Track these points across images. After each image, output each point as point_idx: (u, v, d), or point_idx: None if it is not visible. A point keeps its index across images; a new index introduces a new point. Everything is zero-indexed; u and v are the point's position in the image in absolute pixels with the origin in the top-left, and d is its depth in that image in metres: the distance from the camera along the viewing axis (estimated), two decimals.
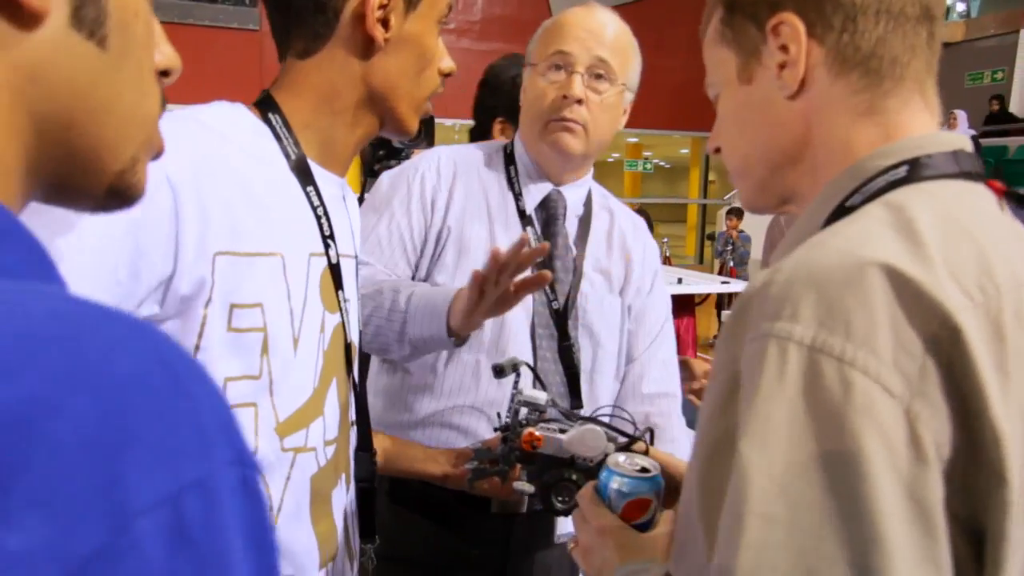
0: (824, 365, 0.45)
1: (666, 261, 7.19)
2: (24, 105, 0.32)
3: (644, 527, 0.74)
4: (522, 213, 1.17)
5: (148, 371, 0.24)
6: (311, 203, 0.76)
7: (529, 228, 1.16)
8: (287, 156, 0.73)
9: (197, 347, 0.65)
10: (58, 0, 0.32)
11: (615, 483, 0.74)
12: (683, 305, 4.27)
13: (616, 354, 1.21)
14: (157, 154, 0.40)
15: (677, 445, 1.21)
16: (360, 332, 0.88)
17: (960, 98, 8.61)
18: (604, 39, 1.12)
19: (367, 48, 0.74)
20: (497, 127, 1.68)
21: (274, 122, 0.74)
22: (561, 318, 1.15)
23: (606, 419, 0.95)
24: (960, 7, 11.67)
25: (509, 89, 1.63)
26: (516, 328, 1.13)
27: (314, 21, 0.73)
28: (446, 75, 0.82)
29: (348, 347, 0.81)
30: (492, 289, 0.95)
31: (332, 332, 0.77)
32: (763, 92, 0.61)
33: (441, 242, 1.15)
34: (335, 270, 0.78)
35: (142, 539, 0.22)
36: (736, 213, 7.75)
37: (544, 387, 0.98)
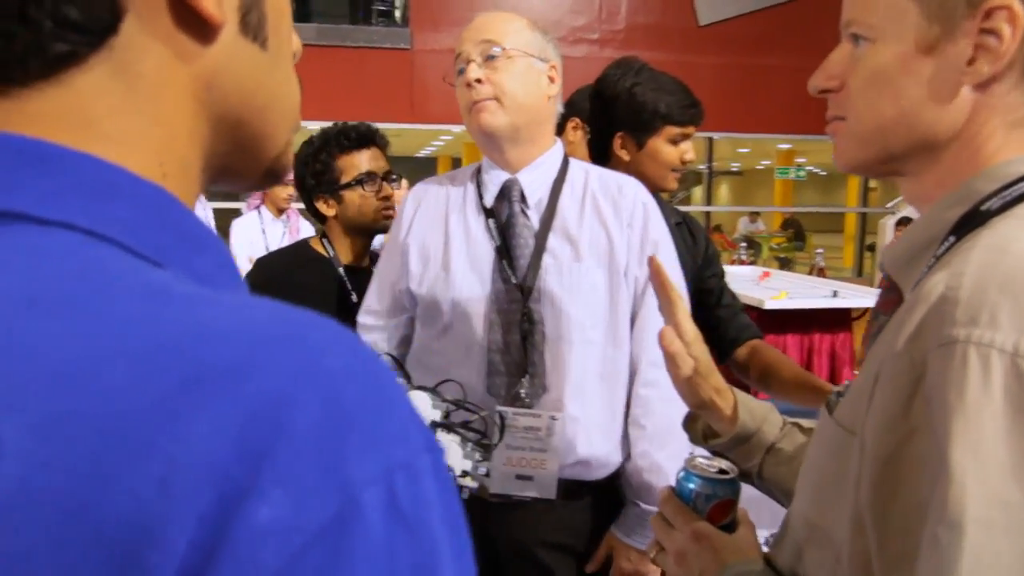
0: None
1: (820, 273, 6.79)
2: (204, 111, 0.36)
3: (728, 528, 0.74)
4: (484, 207, 1.28)
5: (355, 367, 0.28)
6: None
7: (491, 220, 1.27)
8: None
9: None
10: (230, 10, 0.35)
11: (699, 487, 0.74)
12: (838, 320, 4.01)
13: (591, 319, 1.23)
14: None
15: (656, 419, 1.23)
16: None
17: None
18: (485, 27, 1.24)
19: None
20: (617, 142, 1.57)
21: None
22: (523, 292, 1.23)
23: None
24: None
25: (626, 100, 1.53)
26: (469, 304, 1.25)
27: None
28: None
29: None
30: None
31: None
32: (942, 69, 0.55)
33: (404, 257, 1.33)
34: None
35: (365, 510, 0.25)
36: (907, 223, 7.19)
37: (407, 376, 1.12)
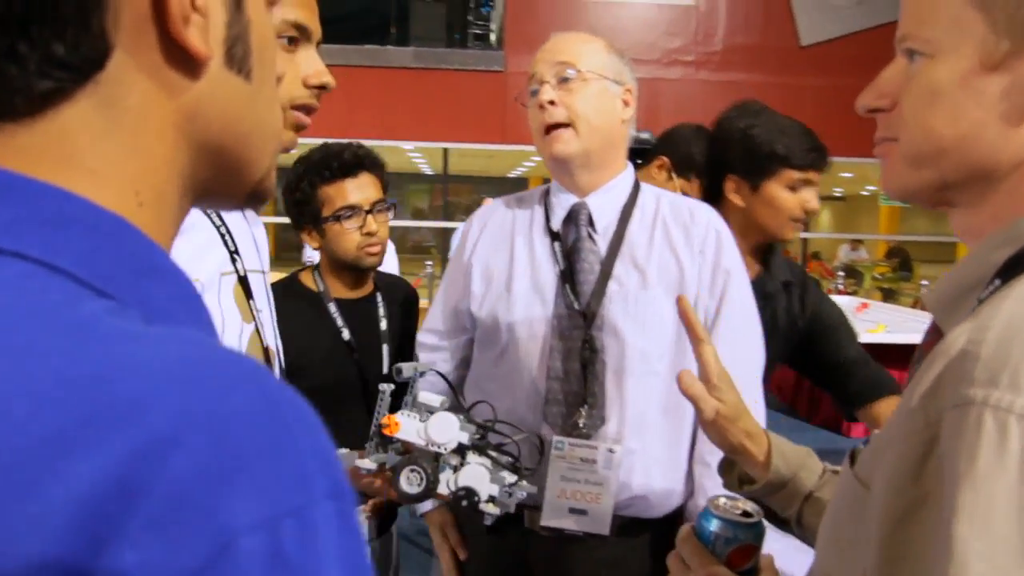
0: None
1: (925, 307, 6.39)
2: (184, 141, 0.37)
3: (749, 574, 0.71)
4: (551, 230, 1.26)
5: (255, 411, 0.28)
6: (213, 223, 0.83)
7: (556, 243, 1.24)
8: None
9: None
10: (216, 44, 0.36)
11: (719, 528, 0.71)
12: None
13: (656, 350, 1.18)
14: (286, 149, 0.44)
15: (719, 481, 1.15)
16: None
17: None
18: (560, 48, 1.21)
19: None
20: (730, 185, 1.48)
21: None
22: (585, 319, 1.18)
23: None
24: None
25: (740, 140, 1.45)
26: (529, 329, 1.22)
27: None
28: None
29: (266, 351, 0.90)
30: None
31: (248, 339, 0.85)
32: (1009, 88, 0.50)
33: (467, 278, 1.30)
34: (244, 283, 0.86)
35: (241, 558, 0.25)
36: None
37: (455, 392, 1.09)
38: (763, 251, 1.52)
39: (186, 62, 0.35)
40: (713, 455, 1.16)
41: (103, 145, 0.34)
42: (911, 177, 0.56)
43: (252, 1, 0.38)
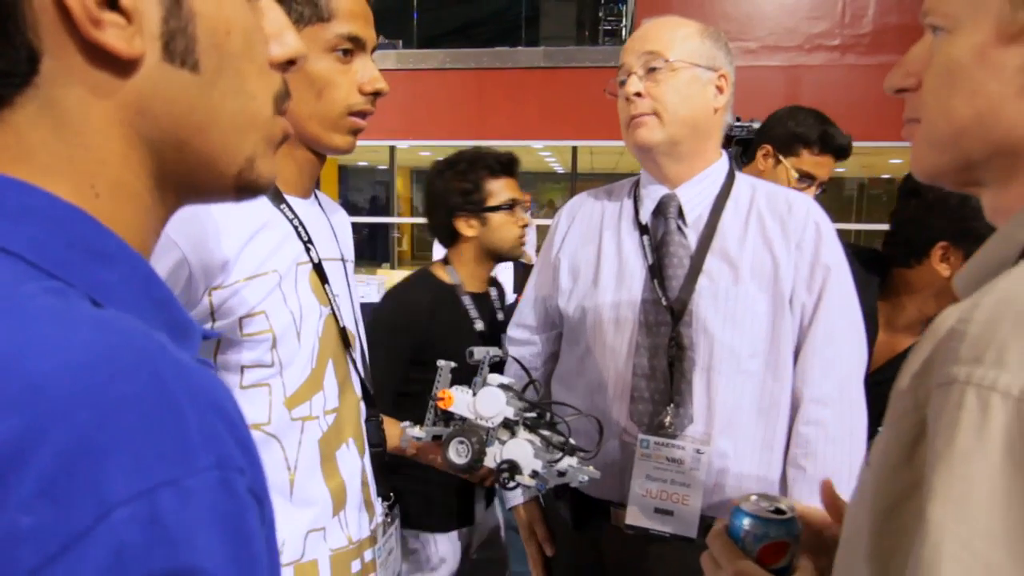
0: None
1: None
2: (138, 136, 0.38)
3: (783, 572, 0.70)
4: (640, 223, 1.21)
5: (143, 392, 0.30)
6: (286, 216, 0.89)
7: (645, 237, 1.18)
8: None
9: (216, 350, 0.84)
10: (150, 40, 0.37)
11: (747, 524, 0.71)
12: None
13: (748, 348, 1.11)
14: (286, 137, 0.45)
15: (819, 462, 1.08)
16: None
17: None
18: (649, 37, 1.15)
19: None
20: (938, 253, 1.33)
21: None
22: (673, 315, 1.13)
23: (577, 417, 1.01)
24: None
25: (956, 206, 1.28)
26: (616, 325, 1.18)
27: None
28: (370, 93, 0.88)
29: (343, 332, 0.94)
30: None
31: (324, 321, 0.91)
32: None
33: (555, 272, 1.29)
34: (319, 269, 0.91)
35: (118, 525, 0.28)
36: None
37: (530, 376, 1.08)
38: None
39: (113, 62, 0.37)
40: (808, 459, 1.11)
41: (53, 144, 0.37)
42: (935, 159, 0.54)
43: None
